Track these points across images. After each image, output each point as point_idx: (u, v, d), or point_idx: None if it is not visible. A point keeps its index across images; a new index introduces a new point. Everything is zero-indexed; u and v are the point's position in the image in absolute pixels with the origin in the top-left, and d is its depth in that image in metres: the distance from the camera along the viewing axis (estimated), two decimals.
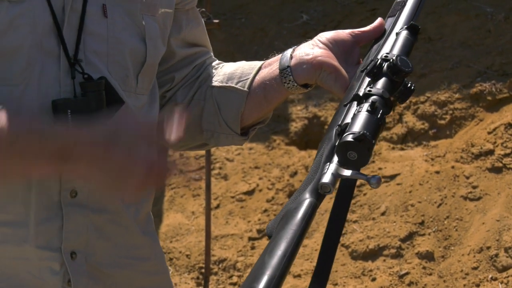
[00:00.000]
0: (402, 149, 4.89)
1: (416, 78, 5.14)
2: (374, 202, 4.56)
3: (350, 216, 4.54)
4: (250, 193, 4.90)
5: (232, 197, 4.91)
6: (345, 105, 1.43)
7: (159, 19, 1.63)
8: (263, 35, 5.88)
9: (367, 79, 1.45)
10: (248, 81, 1.67)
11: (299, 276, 4.35)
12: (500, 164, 4.44)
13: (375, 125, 1.32)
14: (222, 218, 4.80)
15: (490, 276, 4.00)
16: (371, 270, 4.28)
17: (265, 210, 4.74)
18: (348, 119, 1.37)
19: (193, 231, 4.75)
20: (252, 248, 4.56)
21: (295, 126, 5.27)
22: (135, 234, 1.64)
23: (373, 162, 4.80)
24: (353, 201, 4.64)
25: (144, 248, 1.67)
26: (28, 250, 1.52)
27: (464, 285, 4.03)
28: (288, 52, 1.63)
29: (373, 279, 4.23)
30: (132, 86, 1.58)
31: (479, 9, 5.36)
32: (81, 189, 1.53)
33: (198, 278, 4.50)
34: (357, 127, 1.31)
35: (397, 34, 1.55)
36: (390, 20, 1.62)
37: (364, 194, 4.63)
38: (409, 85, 1.42)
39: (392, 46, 1.52)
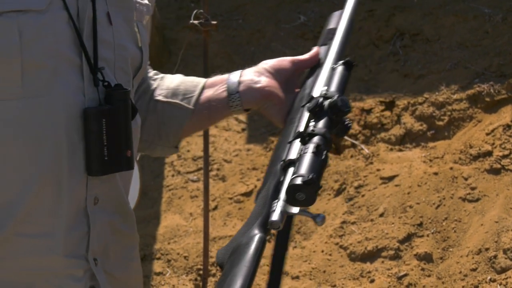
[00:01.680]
0: (400, 150, 4.88)
1: (414, 80, 5.14)
2: (372, 204, 4.56)
3: (348, 218, 4.53)
4: (248, 194, 4.90)
5: (230, 198, 4.90)
6: (289, 142, 1.51)
7: (146, 25, 1.68)
8: (260, 36, 5.87)
9: (306, 114, 1.54)
10: (194, 99, 1.74)
11: (297, 277, 4.35)
12: (499, 166, 4.44)
13: (320, 166, 1.42)
14: (220, 219, 4.79)
15: (489, 277, 3.99)
16: (369, 272, 4.27)
17: None
18: (291, 156, 1.47)
19: (191, 232, 4.74)
20: None
21: None
22: (135, 233, 1.67)
23: (371, 163, 4.80)
24: (351, 202, 4.63)
25: (136, 246, 1.70)
26: (55, 260, 1.51)
27: (463, 286, 4.02)
28: (235, 77, 1.72)
29: (372, 281, 4.22)
30: (132, 92, 1.62)
31: (477, 10, 5.36)
32: (102, 195, 1.55)
33: (196, 279, 4.49)
34: (304, 169, 1.39)
35: (333, 68, 1.65)
36: (323, 49, 1.72)
37: (363, 196, 4.62)
38: (346, 122, 1.53)
39: (329, 81, 1.62)
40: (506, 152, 4.47)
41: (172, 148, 1.78)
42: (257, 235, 1.41)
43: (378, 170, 4.72)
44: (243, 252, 1.38)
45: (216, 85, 1.74)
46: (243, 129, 5.34)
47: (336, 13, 1.80)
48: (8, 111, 1.45)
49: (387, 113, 5.06)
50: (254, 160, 5.07)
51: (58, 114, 1.48)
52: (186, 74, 1.84)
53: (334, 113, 1.51)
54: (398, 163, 4.72)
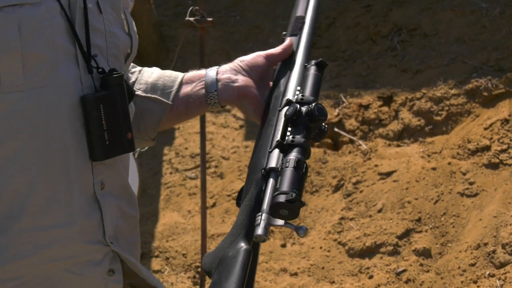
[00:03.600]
0: (398, 145, 4.87)
1: (412, 75, 5.13)
2: (371, 199, 4.55)
3: (346, 214, 4.53)
4: None
5: (228, 195, 4.90)
6: (270, 152, 1.56)
7: (131, 12, 1.73)
8: (258, 32, 5.87)
9: (283, 118, 1.59)
10: (172, 94, 1.79)
11: (295, 274, 4.34)
12: (497, 160, 4.43)
13: (301, 181, 1.47)
14: (219, 216, 4.79)
15: (487, 272, 3.99)
16: (368, 268, 4.27)
17: None
18: (271, 163, 1.53)
19: (190, 230, 4.73)
20: None
21: None
22: (137, 215, 1.71)
23: (369, 159, 4.79)
24: (349, 198, 4.63)
25: (137, 226, 1.73)
26: (74, 248, 1.55)
27: (462, 281, 4.02)
28: (212, 73, 1.78)
29: (370, 277, 4.22)
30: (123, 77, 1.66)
31: (475, 4, 5.35)
32: (107, 180, 1.59)
33: (194, 277, 4.49)
34: (286, 186, 1.45)
35: (306, 67, 1.71)
36: (293, 39, 1.78)
37: (361, 192, 4.62)
38: (322, 127, 1.59)
39: (302, 81, 1.68)
40: (504, 147, 4.46)
41: (148, 141, 1.83)
42: (242, 247, 1.47)
43: (376, 165, 4.71)
44: (231, 266, 1.44)
45: (194, 81, 1.79)
46: (241, 126, 5.33)
47: None
48: (12, 104, 1.47)
49: (385, 108, 5.05)
50: None
51: (60, 103, 1.51)
52: (184, 71, 1.86)
53: (311, 121, 1.55)
54: (396, 159, 4.71)
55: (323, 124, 1.58)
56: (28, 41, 1.47)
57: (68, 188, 1.53)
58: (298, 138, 1.53)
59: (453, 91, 4.92)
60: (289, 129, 1.58)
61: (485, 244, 4.07)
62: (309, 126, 1.56)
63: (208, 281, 4.36)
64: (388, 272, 4.20)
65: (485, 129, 4.58)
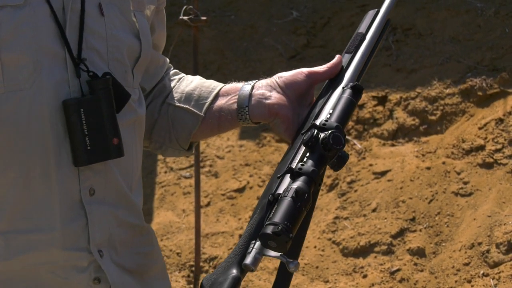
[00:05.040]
0: (392, 145, 4.87)
1: (407, 74, 5.13)
2: (365, 199, 4.55)
3: (341, 213, 4.53)
4: (240, 190, 4.89)
5: (223, 194, 4.89)
6: (278, 177, 1.51)
7: (146, 15, 1.67)
8: (253, 31, 5.86)
9: (303, 147, 1.52)
10: (206, 106, 1.72)
11: None
12: (491, 160, 4.44)
13: (296, 213, 1.39)
14: (213, 215, 4.79)
15: (481, 272, 3.99)
16: (362, 267, 4.27)
17: None
18: (280, 190, 1.47)
19: (184, 229, 4.73)
20: None
21: None
22: (143, 224, 1.67)
23: (364, 158, 4.79)
24: (343, 197, 4.62)
25: (147, 236, 1.69)
26: (54, 253, 1.52)
27: (456, 281, 4.02)
28: (247, 88, 1.69)
29: (365, 276, 4.22)
30: (130, 81, 1.62)
31: (469, 4, 5.35)
32: (98, 186, 1.55)
33: (188, 276, 4.48)
34: (278, 216, 1.39)
35: (343, 89, 1.61)
36: (346, 57, 1.68)
37: (355, 191, 4.62)
38: (341, 154, 1.50)
39: (333, 107, 1.59)
40: (499, 146, 4.47)
41: (183, 151, 1.77)
42: (231, 275, 1.44)
43: (370, 165, 4.71)
44: None
45: (230, 94, 1.71)
46: None
47: (370, 13, 1.75)
48: None
49: (380, 108, 5.05)
50: (246, 156, 5.06)
51: (42, 107, 1.49)
52: (179, 70, 1.84)
53: (325, 149, 1.49)
54: (391, 158, 4.71)
55: (344, 151, 1.51)
56: (7, 43, 1.45)
57: (48, 193, 1.50)
58: (307, 166, 1.47)
59: (447, 91, 4.92)
60: (307, 154, 1.51)
61: (479, 244, 4.07)
62: (324, 154, 1.49)
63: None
64: (382, 271, 4.20)
65: (480, 128, 4.59)
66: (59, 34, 1.51)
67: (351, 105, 1.59)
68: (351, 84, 1.61)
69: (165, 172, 5.12)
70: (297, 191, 1.42)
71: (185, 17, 3.54)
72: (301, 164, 1.47)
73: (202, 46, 5.45)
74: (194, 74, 1.88)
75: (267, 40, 5.69)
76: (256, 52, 5.65)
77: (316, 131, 1.51)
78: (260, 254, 1.42)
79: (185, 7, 3.59)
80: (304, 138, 1.51)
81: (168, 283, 1.75)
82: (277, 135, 1.73)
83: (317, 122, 1.54)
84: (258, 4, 6.04)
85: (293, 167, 1.48)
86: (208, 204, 4.85)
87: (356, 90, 1.61)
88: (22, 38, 1.47)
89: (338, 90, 1.62)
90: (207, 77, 1.83)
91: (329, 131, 1.49)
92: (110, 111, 1.53)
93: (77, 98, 1.51)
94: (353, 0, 5.81)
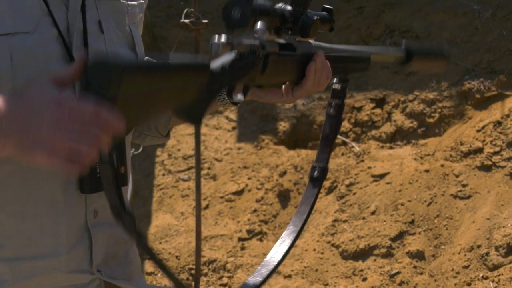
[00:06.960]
0: (391, 148, 4.88)
1: (405, 77, 5.13)
2: (364, 202, 4.55)
3: (340, 216, 4.53)
4: (239, 193, 4.89)
5: (221, 197, 4.89)
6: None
7: (138, 25, 1.69)
8: None
9: None
10: None
11: (289, 276, 4.34)
12: (490, 162, 4.44)
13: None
14: (211, 218, 4.78)
15: (481, 275, 3.99)
16: (361, 270, 4.27)
17: (255, 210, 4.72)
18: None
19: (183, 232, 4.72)
20: (242, 248, 4.54)
21: (284, 125, 5.25)
22: (131, 241, 1.68)
23: (362, 161, 4.79)
24: (342, 200, 4.62)
25: (131, 246, 1.70)
26: (58, 277, 1.53)
27: (455, 284, 4.02)
28: None
29: (364, 279, 4.22)
30: None
31: (466, 6, 5.36)
32: (101, 208, 1.56)
33: (188, 279, 4.47)
34: None
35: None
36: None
37: (354, 194, 4.62)
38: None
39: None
40: (497, 149, 4.47)
41: (162, 138, 1.81)
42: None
43: (369, 167, 4.71)
44: None
45: None
46: (233, 128, 5.32)
47: None
48: None
49: (378, 110, 5.06)
50: (245, 159, 5.06)
51: None
52: None
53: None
54: (389, 161, 4.71)
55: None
56: (20, 71, 1.43)
57: (56, 220, 1.50)
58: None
59: (445, 93, 4.92)
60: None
61: (479, 246, 4.07)
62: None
63: (201, 283, 4.36)
64: (381, 274, 4.20)
65: (478, 131, 4.59)
66: (66, 56, 1.49)
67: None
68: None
69: (164, 174, 5.11)
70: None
71: (186, 20, 3.53)
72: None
73: (200, 48, 5.44)
74: None
75: None
76: None
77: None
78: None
79: (186, 10, 3.58)
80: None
81: (143, 277, 1.77)
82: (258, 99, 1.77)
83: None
84: None
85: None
86: (206, 207, 4.85)
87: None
88: (33, 65, 1.45)
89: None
90: None
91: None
92: (120, 140, 1.52)
93: None
94: (350, 2, 5.81)
